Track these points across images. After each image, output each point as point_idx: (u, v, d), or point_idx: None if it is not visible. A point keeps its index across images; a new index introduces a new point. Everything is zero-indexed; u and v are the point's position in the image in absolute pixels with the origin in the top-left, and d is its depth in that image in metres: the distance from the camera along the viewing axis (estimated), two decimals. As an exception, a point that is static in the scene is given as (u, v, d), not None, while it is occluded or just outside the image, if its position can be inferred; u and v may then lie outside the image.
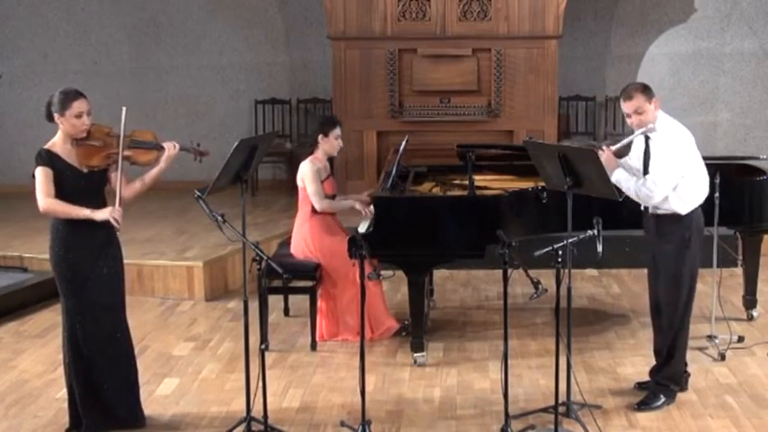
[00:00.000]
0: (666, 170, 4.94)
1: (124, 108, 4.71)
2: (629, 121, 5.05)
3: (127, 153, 4.76)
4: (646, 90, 5.01)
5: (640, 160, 5.12)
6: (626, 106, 5.02)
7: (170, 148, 4.83)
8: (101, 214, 4.64)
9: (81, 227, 4.68)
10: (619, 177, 5.00)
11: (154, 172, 4.85)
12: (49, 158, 4.67)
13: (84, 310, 4.76)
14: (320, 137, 6.32)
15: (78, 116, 4.69)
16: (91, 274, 4.75)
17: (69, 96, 4.72)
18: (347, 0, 9.15)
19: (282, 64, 11.04)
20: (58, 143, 4.74)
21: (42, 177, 4.63)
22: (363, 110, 9.20)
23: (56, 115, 4.70)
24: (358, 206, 6.31)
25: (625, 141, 5.15)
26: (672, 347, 5.18)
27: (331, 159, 6.58)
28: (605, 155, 4.98)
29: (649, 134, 5.04)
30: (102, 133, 4.79)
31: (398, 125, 9.10)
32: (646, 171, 5.06)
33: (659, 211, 5.09)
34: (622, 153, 5.22)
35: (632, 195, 5.04)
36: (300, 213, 6.40)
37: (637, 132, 5.06)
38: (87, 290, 4.75)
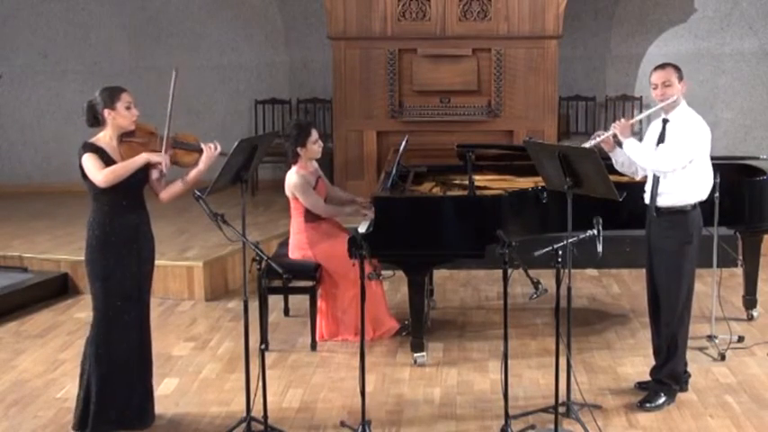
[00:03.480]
0: (680, 145, 5.01)
1: (174, 71, 4.80)
2: (654, 93, 5.12)
3: (170, 151, 4.80)
4: (679, 69, 5.14)
5: (654, 143, 5.15)
6: (656, 76, 5.10)
7: (209, 149, 4.86)
8: (155, 156, 4.72)
9: (114, 226, 4.74)
10: (632, 144, 5.08)
11: (193, 173, 4.87)
12: (94, 149, 4.72)
13: (111, 308, 4.77)
14: (299, 149, 6.22)
15: (128, 107, 4.77)
16: (121, 273, 4.76)
17: (116, 90, 4.80)
18: (347, 0, 9.16)
19: (282, 64, 11.04)
20: (102, 139, 4.78)
21: (92, 159, 4.67)
22: (363, 110, 9.20)
23: (106, 111, 4.73)
24: (363, 212, 6.26)
25: (644, 114, 5.21)
26: (672, 345, 5.18)
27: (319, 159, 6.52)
28: (622, 123, 5.09)
29: (668, 117, 5.10)
30: (147, 131, 4.85)
31: (398, 125, 9.10)
32: None
33: (664, 204, 5.09)
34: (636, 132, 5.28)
35: (642, 162, 5.09)
36: (294, 223, 6.36)
37: (657, 106, 5.13)
38: (117, 287, 4.76)
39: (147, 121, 4.93)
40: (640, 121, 5.18)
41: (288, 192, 6.27)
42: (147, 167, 4.82)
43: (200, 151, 4.88)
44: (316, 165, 6.39)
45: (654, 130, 5.22)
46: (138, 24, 10.97)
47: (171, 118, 4.82)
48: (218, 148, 4.89)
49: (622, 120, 5.16)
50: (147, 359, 4.97)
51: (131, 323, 4.84)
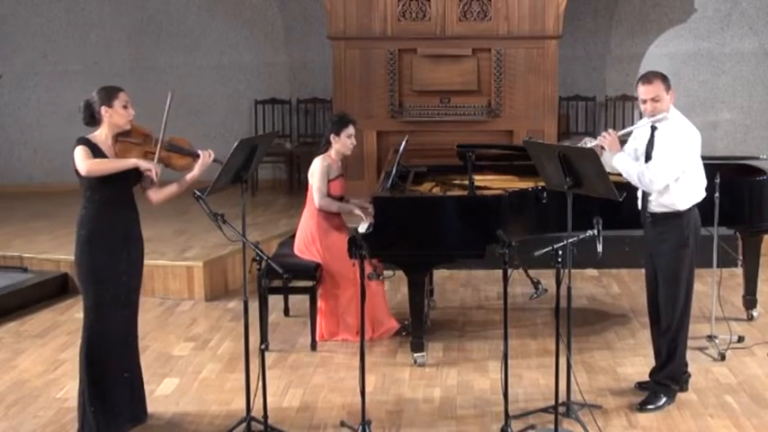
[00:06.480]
0: (671, 160, 4.92)
1: (170, 93, 4.81)
2: (642, 107, 5.01)
3: (163, 154, 4.81)
4: (666, 79, 4.99)
5: (643, 149, 5.10)
6: (644, 91, 4.95)
7: (205, 155, 4.87)
8: (145, 164, 4.70)
9: (104, 223, 4.74)
10: (622, 161, 4.99)
11: (189, 176, 4.88)
12: (89, 145, 4.73)
13: (102, 308, 4.76)
14: (332, 136, 6.33)
15: (125, 106, 4.80)
16: (111, 271, 4.76)
17: (114, 89, 4.83)
18: (347, 0, 9.16)
19: (282, 64, 11.04)
20: (98, 137, 4.80)
21: (82, 150, 4.69)
22: (363, 110, 9.19)
23: (103, 109, 4.75)
24: (357, 211, 6.27)
25: (631, 128, 5.14)
26: (672, 348, 5.17)
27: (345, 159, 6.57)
28: (610, 138, 4.97)
29: (657, 125, 5.02)
30: (142, 132, 4.87)
31: (398, 125, 9.11)
32: (648, 160, 5.04)
33: (658, 209, 5.08)
34: (624, 140, 5.20)
35: (633, 180, 4.99)
36: (307, 209, 6.40)
37: (646, 121, 5.02)
38: (107, 288, 4.76)
39: (144, 121, 4.94)
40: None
41: (309, 175, 6.36)
42: (140, 170, 4.82)
43: (195, 156, 4.88)
44: (340, 165, 6.43)
45: (641, 136, 5.14)
46: (138, 24, 10.97)
47: (165, 132, 4.81)
48: (212, 156, 4.90)
49: (611, 131, 5.01)
50: (138, 362, 4.99)
51: (121, 323, 4.83)
